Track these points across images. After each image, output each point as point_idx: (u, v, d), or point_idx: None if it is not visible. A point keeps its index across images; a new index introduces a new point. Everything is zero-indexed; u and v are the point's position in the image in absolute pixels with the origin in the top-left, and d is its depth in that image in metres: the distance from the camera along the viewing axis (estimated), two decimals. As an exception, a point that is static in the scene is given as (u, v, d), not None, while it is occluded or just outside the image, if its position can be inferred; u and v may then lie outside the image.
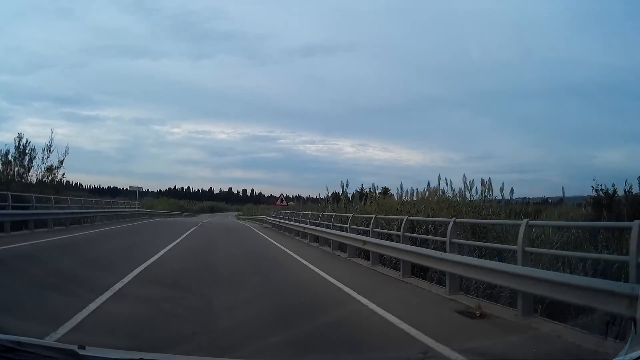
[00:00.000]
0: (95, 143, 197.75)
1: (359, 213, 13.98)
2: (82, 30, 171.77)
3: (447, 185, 11.78)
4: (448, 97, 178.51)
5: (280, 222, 24.39)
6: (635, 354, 2.06)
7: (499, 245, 6.90)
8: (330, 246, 13.67)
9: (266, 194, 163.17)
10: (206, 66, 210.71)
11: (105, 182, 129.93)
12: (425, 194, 12.75)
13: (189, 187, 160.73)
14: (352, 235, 11.64)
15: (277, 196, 32.20)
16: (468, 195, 11.24)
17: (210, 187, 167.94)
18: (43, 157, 20.76)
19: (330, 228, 13.94)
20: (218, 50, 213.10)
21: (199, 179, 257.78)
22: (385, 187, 18.53)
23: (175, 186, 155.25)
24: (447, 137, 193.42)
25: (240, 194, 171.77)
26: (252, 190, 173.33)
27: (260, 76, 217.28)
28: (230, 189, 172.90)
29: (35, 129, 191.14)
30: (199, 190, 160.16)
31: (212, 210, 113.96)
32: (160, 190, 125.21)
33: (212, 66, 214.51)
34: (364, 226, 11.89)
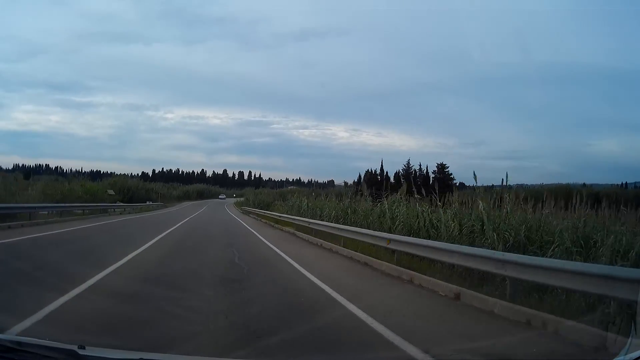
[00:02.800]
0: (88, 129, 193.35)
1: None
2: (75, 17, 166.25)
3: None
4: (443, 83, 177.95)
5: None
6: (635, 354, 2.09)
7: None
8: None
9: (264, 177, 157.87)
10: (199, 51, 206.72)
11: (100, 167, 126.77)
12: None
13: (178, 169, 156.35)
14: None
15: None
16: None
17: (202, 170, 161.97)
18: None
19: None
20: (210, 36, 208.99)
21: (192, 164, 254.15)
22: (441, 162, 15.58)
23: (162, 169, 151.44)
24: (441, 123, 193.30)
25: (237, 177, 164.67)
26: (250, 172, 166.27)
27: (253, 61, 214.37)
28: (224, 171, 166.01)
29: (30, 116, 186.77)
30: (190, 172, 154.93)
31: (201, 195, 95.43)
32: (143, 172, 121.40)
33: (204, 51, 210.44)
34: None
